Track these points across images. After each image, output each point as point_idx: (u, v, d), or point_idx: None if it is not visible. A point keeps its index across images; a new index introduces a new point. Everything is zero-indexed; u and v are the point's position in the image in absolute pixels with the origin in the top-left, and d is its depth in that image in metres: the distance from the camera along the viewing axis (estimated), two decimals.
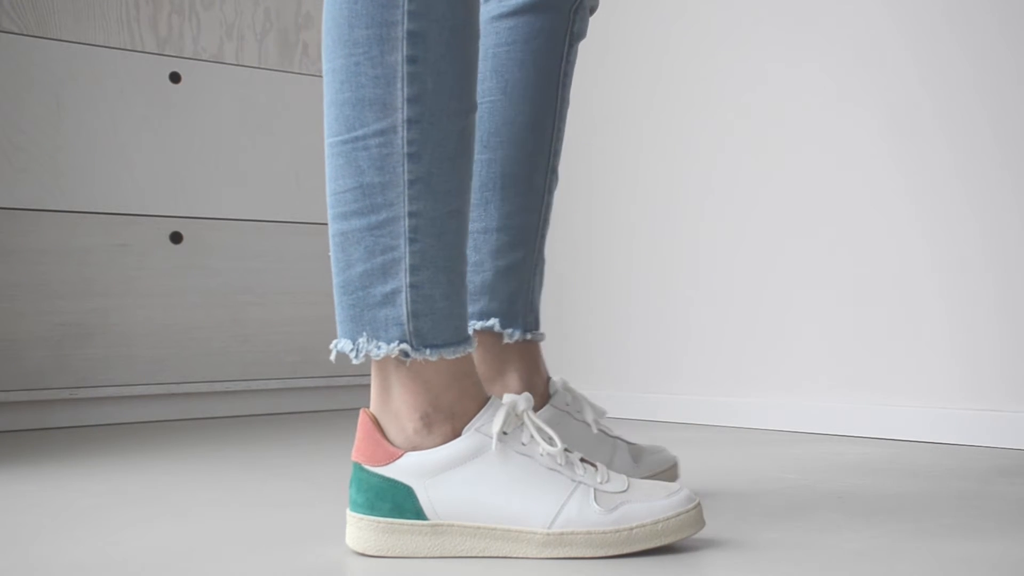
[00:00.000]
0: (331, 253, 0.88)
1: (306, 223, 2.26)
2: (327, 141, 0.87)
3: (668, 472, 1.13)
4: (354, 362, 0.86)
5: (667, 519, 0.84)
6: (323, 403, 2.28)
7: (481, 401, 0.87)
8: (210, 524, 1.02)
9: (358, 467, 0.87)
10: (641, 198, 2.06)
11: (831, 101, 1.76)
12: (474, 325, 1.10)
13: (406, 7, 0.83)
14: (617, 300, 2.11)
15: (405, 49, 0.83)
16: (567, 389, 1.12)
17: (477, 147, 1.11)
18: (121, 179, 2.05)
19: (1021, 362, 1.53)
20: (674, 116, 2.01)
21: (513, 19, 1.12)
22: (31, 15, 1.96)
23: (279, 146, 2.25)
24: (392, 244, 0.85)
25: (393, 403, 0.87)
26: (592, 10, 1.17)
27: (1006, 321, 1.55)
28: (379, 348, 0.85)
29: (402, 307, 0.85)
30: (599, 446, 1.09)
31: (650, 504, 0.84)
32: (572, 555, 0.83)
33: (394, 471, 0.85)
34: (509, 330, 1.11)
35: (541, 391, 1.11)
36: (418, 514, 0.85)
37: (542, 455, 0.85)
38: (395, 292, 0.85)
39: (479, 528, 0.84)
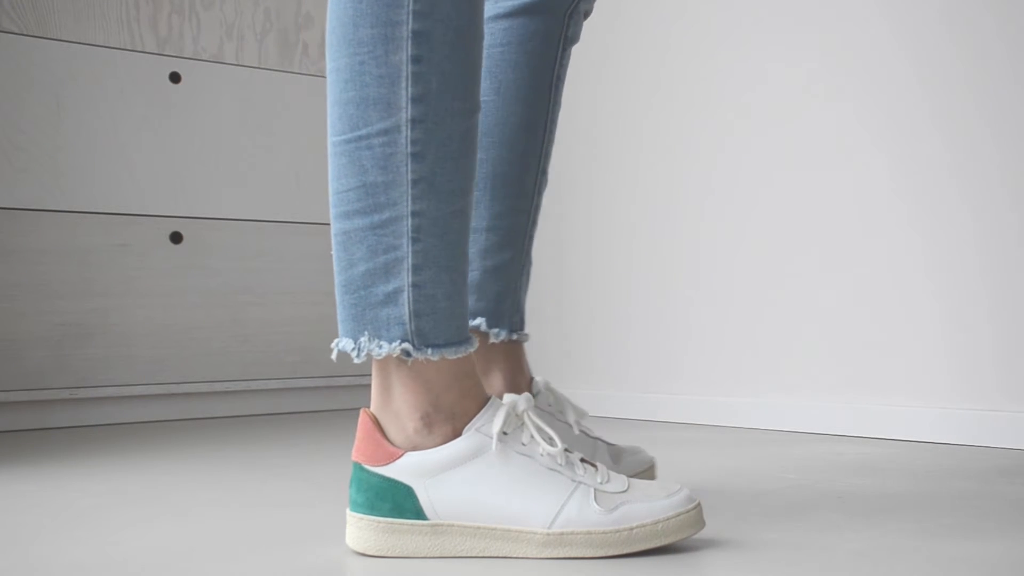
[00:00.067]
0: (333, 252, 0.88)
1: (306, 223, 2.26)
2: (330, 140, 0.87)
3: (646, 473, 1.14)
4: (355, 361, 0.86)
5: (667, 519, 0.84)
6: (323, 403, 2.28)
7: (482, 401, 0.87)
8: (210, 524, 1.02)
9: (358, 467, 0.87)
10: (641, 198, 2.06)
11: (831, 101, 1.76)
12: None
13: (411, 7, 0.83)
14: (617, 300, 2.11)
15: (410, 49, 0.83)
16: (549, 390, 1.12)
17: None
18: (121, 179, 2.05)
19: (1020, 362, 1.53)
20: (674, 116, 2.01)
21: (508, 21, 1.13)
22: (31, 15, 1.96)
23: (279, 146, 2.25)
24: (395, 243, 0.85)
25: (394, 403, 0.87)
26: (586, 14, 1.18)
27: (1005, 321, 1.55)
28: (381, 347, 0.85)
29: (404, 306, 0.85)
30: (580, 447, 1.10)
31: (650, 504, 0.84)
32: (572, 555, 0.83)
33: (394, 471, 0.85)
34: (495, 330, 1.12)
35: (524, 391, 1.12)
36: (418, 514, 0.85)
37: (542, 455, 0.85)
38: (397, 291, 0.85)
39: (479, 528, 0.84)
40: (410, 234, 0.85)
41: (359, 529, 0.86)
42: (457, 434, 0.86)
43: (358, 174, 0.85)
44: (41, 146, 1.97)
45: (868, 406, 1.69)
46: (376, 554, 0.85)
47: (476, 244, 1.12)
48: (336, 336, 0.90)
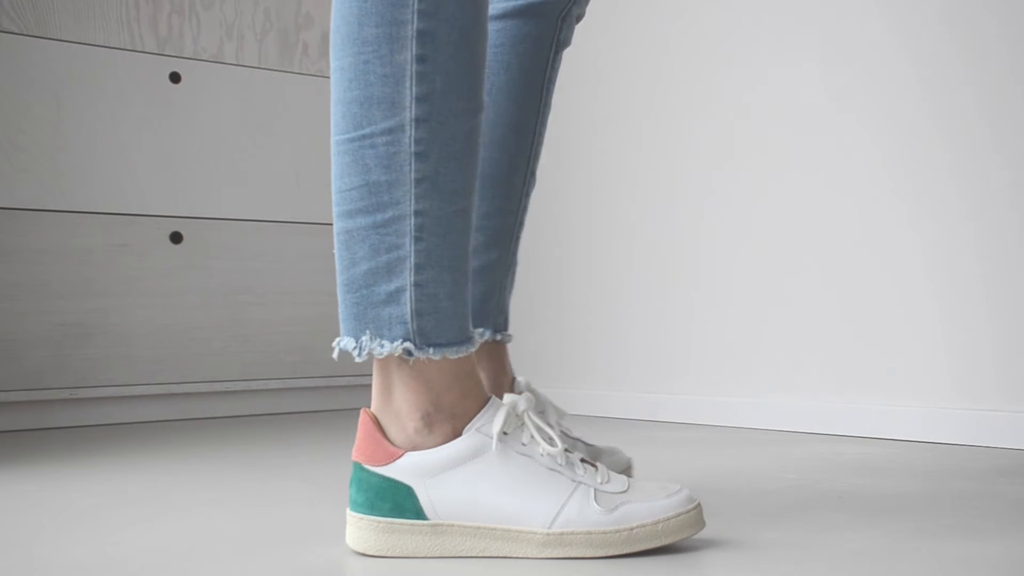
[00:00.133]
0: (335, 251, 0.88)
1: (306, 223, 2.27)
2: (334, 139, 0.87)
3: (624, 473, 1.14)
4: (357, 360, 0.86)
5: (667, 519, 0.84)
6: (323, 403, 2.28)
7: (482, 401, 0.87)
8: (210, 524, 1.02)
9: (358, 467, 0.87)
10: (641, 198, 2.06)
11: (831, 101, 1.76)
12: None
13: (416, 6, 0.83)
14: (617, 300, 2.11)
15: (414, 48, 0.84)
16: (531, 390, 1.13)
17: None
18: (121, 179, 2.05)
19: (1020, 362, 1.53)
20: (674, 116, 2.01)
21: (501, 23, 1.13)
22: (31, 15, 1.96)
23: (279, 146, 2.25)
24: (397, 242, 0.85)
25: (394, 402, 0.87)
26: (578, 19, 1.18)
27: (1005, 322, 1.55)
28: (382, 346, 0.85)
29: (406, 306, 0.85)
30: None
31: (650, 504, 0.84)
32: (572, 555, 0.83)
33: (394, 471, 0.85)
34: (480, 330, 1.12)
35: (507, 391, 1.12)
36: (418, 514, 0.85)
37: (542, 455, 0.85)
38: (399, 290, 0.85)
39: (479, 528, 0.84)
40: (413, 233, 0.85)
41: (359, 529, 0.86)
42: (457, 434, 0.86)
43: (361, 173, 0.85)
44: (41, 146, 1.97)
45: (868, 406, 1.69)
46: (376, 554, 0.85)
47: None
48: (336, 335, 0.90)
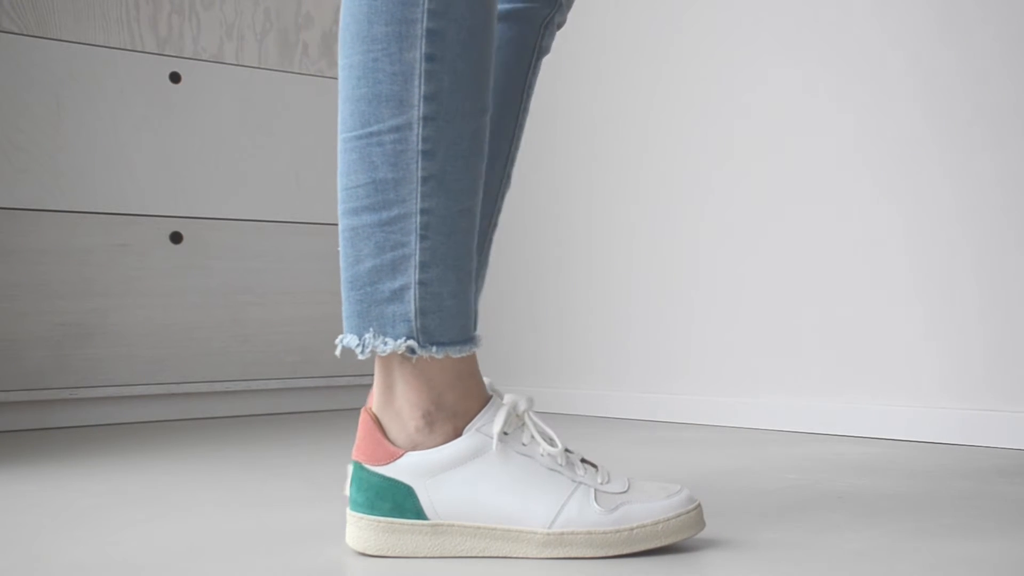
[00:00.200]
0: (340, 248, 0.88)
1: (306, 223, 2.26)
2: (341, 136, 0.87)
3: None
4: (360, 357, 0.87)
5: (667, 520, 0.84)
6: (323, 403, 2.28)
7: (483, 401, 0.88)
8: (210, 524, 1.02)
9: (358, 466, 0.87)
10: (641, 198, 2.06)
11: (831, 101, 1.76)
12: None
13: (426, 6, 0.83)
14: (617, 300, 2.11)
15: (424, 47, 0.84)
16: (494, 390, 1.13)
17: None
18: (121, 179, 2.05)
19: (1020, 363, 1.54)
20: (674, 116, 2.01)
21: None
22: (31, 15, 1.96)
23: (279, 146, 2.25)
24: (403, 240, 0.85)
25: (396, 401, 0.87)
26: (559, 26, 1.18)
27: (1005, 322, 1.55)
28: (385, 344, 0.85)
29: (410, 304, 0.85)
30: None
31: (650, 505, 0.84)
32: (572, 555, 0.83)
33: (394, 471, 0.85)
34: None
35: None
36: (418, 514, 0.85)
37: (543, 455, 0.86)
38: (404, 288, 0.85)
39: (479, 528, 0.84)
40: (418, 231, 0.85)
41: (359, 528, 0.86)
42: (458, 434, 0.86)
43: (368, 170, 0.85)
44: (41, 146, 1.97)
45: (868, 406, 1.69)
46: (376, 554, 0.85)
47: None
48: (336, 335, 0.90)
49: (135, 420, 2.05)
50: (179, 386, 2.08)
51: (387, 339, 0.85)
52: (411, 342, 0.85)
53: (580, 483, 0.85)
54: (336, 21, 2.35)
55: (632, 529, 0.83)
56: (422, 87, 0.84)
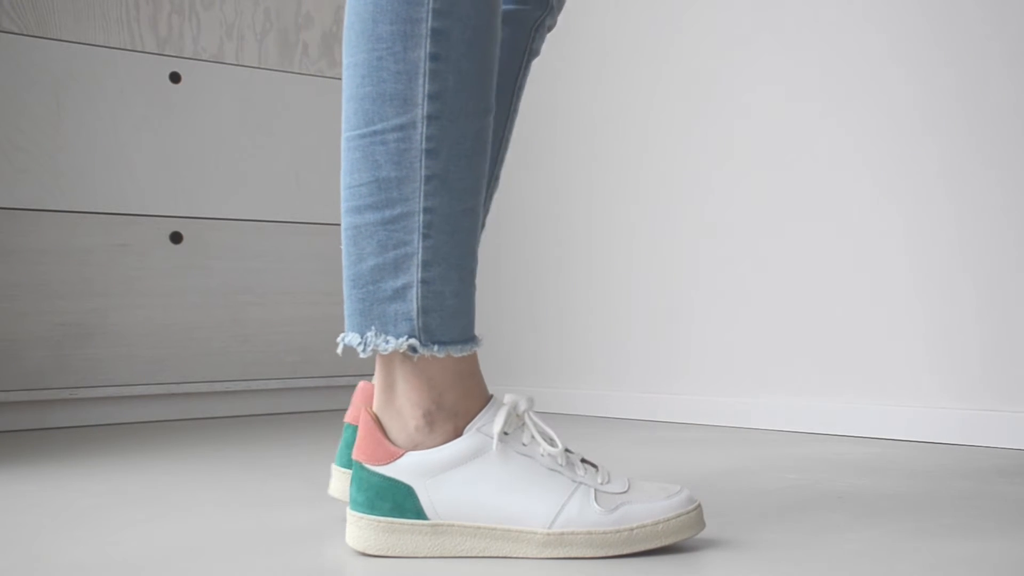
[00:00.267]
0: (343, 246, 0.89)
1: (306, 223, 2.26)
2: (344, 135, 0.87)
3: None
4: (361, 356, 0.87)
5: (667, 520, 0.84)
6: (323, 403, 2.28)
7: (484, 401, 0.88)
8: (210, 524, 1.02)
9: (359, 466, 0.87)
10: (641, 198, 2.06)
11: (831, 101, 1.76)
12: None
13: (431, 5, 0.84)
14: (617, 300, 2.11)
15: (428, 46, 0.84)
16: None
17: None
18: (121, 179, 2.05)
19: (1020, 363, 1.53)
20: (674, 116, 2.01)
21: None
22: (31, 15, 1.96)
23: (279, 146, 2.25)
24: (405, 239, 0.85)
25: (397, 400, 0.87)
26: (549, 28, 1.18)
27: (1005, 322, 1.55)
28: (387, 342, 0.85)
29: (412, 302, 0.85)
30: None
31: (650, 505, 0.84)
32: (572, 555, 0.83)
33: (395, 470, 0.85)
34: None
35: None
36: (418, 514, 0.85)
37: (543, 455, 0.86)
38: (406, 287, 0.85)
39: (479, 528, 0.84)
40: (421, 230, 0.85)
41: (359, 528, 0.86)
42: (458, 433, 0.86)
43: (371, 169, 0.85)
44: (41, 146, 1.97)
45: (868, 406, 1.69)
46: (376, 553, 0.85)
47: None
48: (336, 336, 0.90)
49: (135, 420, 2.05)
50: (179, 386, 2.08)
51: (389, 338, 0.85)
52: (413, 341, 0.85)
53: (580, 483, 0.85)
54: (336, 21, 2.35)
55: (632, 529, 0.83)
56: (426, 86, 0.84)
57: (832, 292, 1.75)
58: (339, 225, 2.30)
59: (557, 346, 2.22)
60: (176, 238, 2.10)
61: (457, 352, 0.86)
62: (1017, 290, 1.54)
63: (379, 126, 0.85)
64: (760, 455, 1.47)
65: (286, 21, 2.27)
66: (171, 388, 2.07)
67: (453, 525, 0.85)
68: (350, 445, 1.01)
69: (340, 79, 2.32)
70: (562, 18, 2.04)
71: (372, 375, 2.06)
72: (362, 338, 0.86)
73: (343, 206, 0.88)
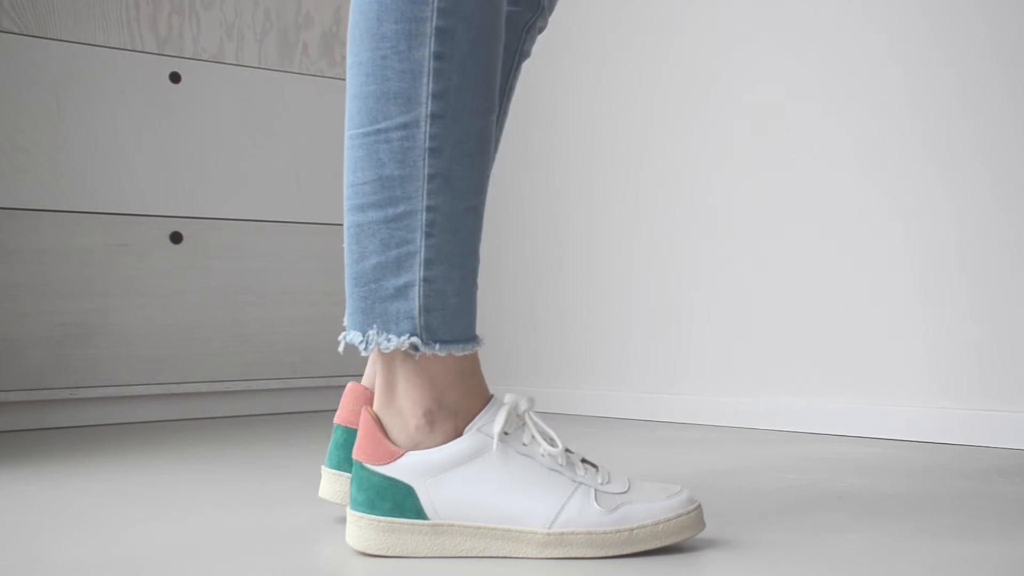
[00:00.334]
0: (345, 245, 0.89)
1: (306, 223, 2.26)
2: (348, 133, 0.88)
3: None
4: (363, 354, 0.87)
5: (667, 520, 0.84)
6: (323, 403, 2.28)
7: (484, 400, 0.88)
8: (210, 524, 1.02)
9: (359, 465, 0.87)
10: (641, 198, 2.06)
11: (831, 101, 1.76)
12: None
13: (436, 4, 0.84)
14: (617, 300, 2.11)
15: (433, 45, 0.84)
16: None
17: None
18: (121, 179, 2.05)
19: (1021, 362, 1.53)
20: (674, 116, 2.01)
21: None
22: (31, 15, 1.96)
23: (279, 146, 2.25)
24: (408, 238, 0.85)
25: (397, 399, 0.87)
26: (540, 30, 1.18)
27: (1005, 322, 1.55)
28: (389, 341, 0.85)
29: (414, 301, 0.85)
30: None
31: (650, 505, 0.84)
32: (572, 555, 0.83)
33: (395, 470, 0.85)
34: None
35: None
36: (418, 513, 0.85)
37: (543, 455, 0.86)
38: (408, 286, 0.85)
39: (479, 528, 0.84)
40: (424, 229, 0.85)
41: (359, 528, 0.86)
42: (458, 433, 0.86)
43: (375, 167, 0.85)
44: (41, 146, 1.97)
45: (868, 406, 1.69)
46: (376, 553, 0.85)
47: None
48: (336, 335, 0.90)
49: (135, 420, 2.05)
50: (179, 386, 2.08)
51: (390, 336, 0.85)
52: (414, 339, 0.85)
53: (580, 483, 0.85)
54: (336, 21, 2.35)
55: (632, 529, 0.83)
56: (430, 85, 0.84)
57: (832, 292, 1.75)
58: (339, 225, 2.30)
59: (557, 346, 2.22)
60: (176, 238, 2.10)
61: (458, 351, 0.86)
62: (1017, 290, 1.54)
63: (383, 124, 0.85)
64: (760, 455, 1.47)
65: (286, 21, 2.27)
66: (171, 388, 2.07)
67: (453, 525, 0.85)
68: (340, 446, 1.01)
69: (341, 79, 2.32)
70: (562, 18, 2.04)
71: None
72: (364, 336, 0.87)
73: (346, 204, 0.88)
